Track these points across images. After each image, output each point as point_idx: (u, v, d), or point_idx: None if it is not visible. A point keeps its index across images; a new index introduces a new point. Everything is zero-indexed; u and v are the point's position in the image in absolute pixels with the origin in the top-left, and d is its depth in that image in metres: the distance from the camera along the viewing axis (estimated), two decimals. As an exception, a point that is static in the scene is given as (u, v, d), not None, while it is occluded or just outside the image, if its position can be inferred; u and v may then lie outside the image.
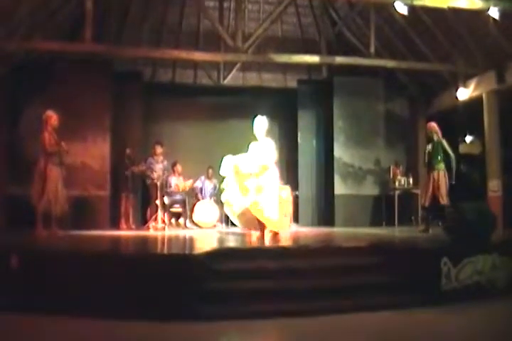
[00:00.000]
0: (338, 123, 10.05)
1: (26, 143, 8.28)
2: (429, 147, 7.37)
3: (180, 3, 10.25)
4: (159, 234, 7.74)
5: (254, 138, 6.24)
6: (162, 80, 11.03)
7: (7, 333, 3.35)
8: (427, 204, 7.25)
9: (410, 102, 10.68)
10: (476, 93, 8.82)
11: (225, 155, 6.30)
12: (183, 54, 8.24)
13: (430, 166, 7.29)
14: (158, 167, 8.86)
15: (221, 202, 9.44)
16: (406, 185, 9.53)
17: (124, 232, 8.09)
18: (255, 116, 6.28)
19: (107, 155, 9.08)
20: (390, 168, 9.89)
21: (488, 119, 8.56)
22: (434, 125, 7.43)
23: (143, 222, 9.18)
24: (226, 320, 3.72)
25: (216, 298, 3.96)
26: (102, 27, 9.38)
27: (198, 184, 9.81)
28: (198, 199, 9.68)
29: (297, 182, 10.27)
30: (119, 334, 3.41)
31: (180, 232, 8.15)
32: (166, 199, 9.08)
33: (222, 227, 9.38)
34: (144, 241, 6.54)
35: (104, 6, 8.76)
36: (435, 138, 7.30)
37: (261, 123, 6.17)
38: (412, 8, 7.70)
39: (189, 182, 9.46)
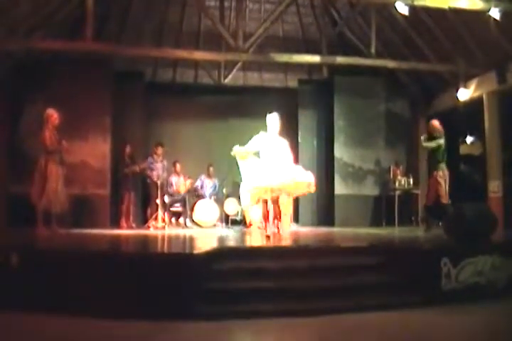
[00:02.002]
0: (339, 123, 10.06)
1: (27, 142, 8.29)
2: (428, 144, 7.34)
3: (181, 3, 10.24)
4: (159, 233, 7.74)
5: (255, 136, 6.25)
6: (163, 79, 11.04)
7: (7, 333, 3.34)
8: (430, 203, 7.24)
9: (411, 102, 10.68)
10: (476, 93, 8.82)
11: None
12: (184, 53, 8.25)
13: (432, 165, 7.29)
14: (158, 166, 8.87)
15: (221, 201, 9.62)
16: (406, 186, 9.51)
17: (124, 231, 8.08)
18: (267, 113, 6.31)
19: (108, 154, 9.10)
20: (390, 168, 9.89)
21: (488, 120, 8.56)
22: (438, 124, 7.40)
23: (143, 220, 9.22)
24: (226, 319, 3.71)
25: (216, 297, 3.96)
26: (102, 26, 9.41)
27: (198, 182, 9.81)
28: (198, 197, 9.68)
29: (297, 181, 10.26)
30: (119, 334, 3.41)
31: (181, 231, 8.16)
32: (167, 199, 9.08)
33: (223, 227, 9.38)
34: (144, 240, 6.53)
35: (105, 5, 8.76)
36: (439, 138, 7.26)
37: (274, 120, 6.21)
38: (413, 9, 7.70)
39: (188, 183, 9.46)
